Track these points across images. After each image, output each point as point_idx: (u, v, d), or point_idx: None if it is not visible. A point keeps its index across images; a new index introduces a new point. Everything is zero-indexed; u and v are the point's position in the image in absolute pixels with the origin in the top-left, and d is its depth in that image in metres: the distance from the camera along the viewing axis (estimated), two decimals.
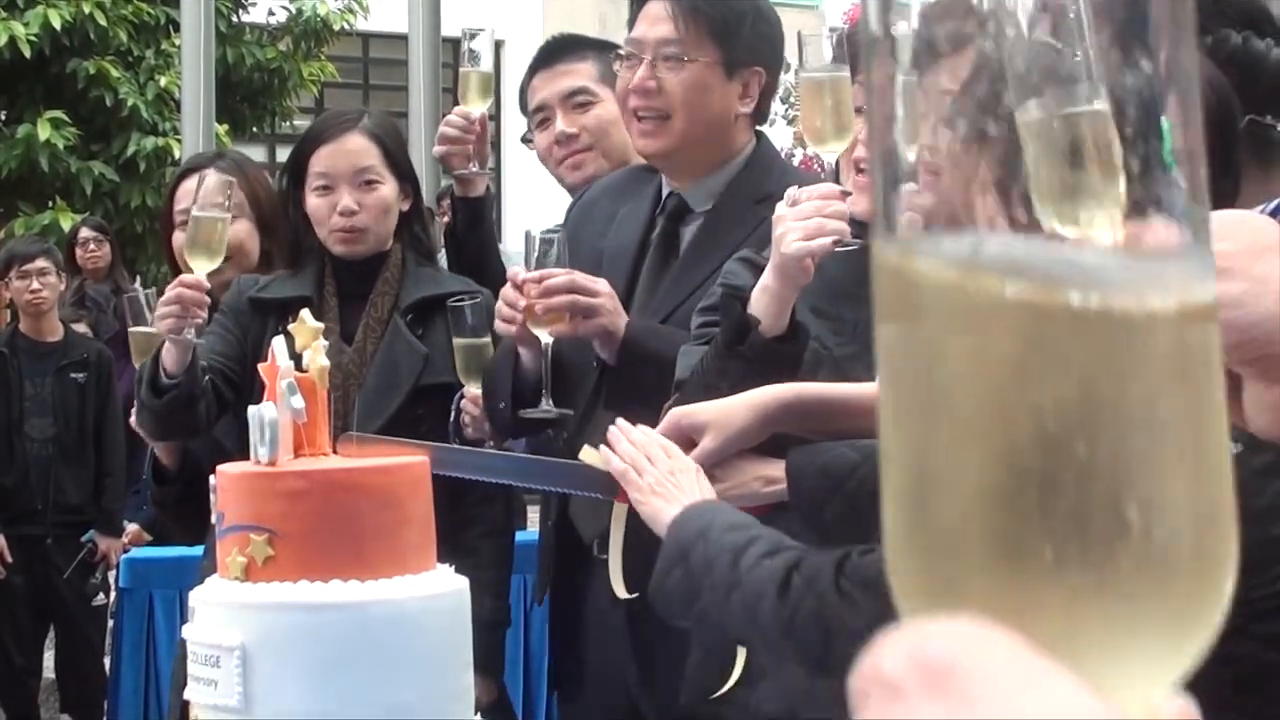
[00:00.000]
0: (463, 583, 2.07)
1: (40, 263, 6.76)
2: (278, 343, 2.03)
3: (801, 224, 2.18)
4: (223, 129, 10.12)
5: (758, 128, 2.96)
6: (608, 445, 2.05)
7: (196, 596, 2.03)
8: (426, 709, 1.99)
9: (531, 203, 3.76)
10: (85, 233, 8.62)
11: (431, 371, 3.20)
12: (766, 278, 2.27)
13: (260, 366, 2.04)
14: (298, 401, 2.00)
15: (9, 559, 6.61)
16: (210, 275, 3.22)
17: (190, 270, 3.06)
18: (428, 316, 3.24)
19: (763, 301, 2.26)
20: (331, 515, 1.97)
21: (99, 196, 11.46)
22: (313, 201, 3.25)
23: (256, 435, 2.00)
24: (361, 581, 1.96)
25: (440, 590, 2.03)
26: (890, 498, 0.57)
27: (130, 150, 11.52)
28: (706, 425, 1.96)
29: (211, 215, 3.06)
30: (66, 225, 10.36)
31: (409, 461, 2.11)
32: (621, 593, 2.08)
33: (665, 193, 2.97)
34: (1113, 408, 0.53)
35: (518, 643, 4.15)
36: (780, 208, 2.27)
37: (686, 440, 1.99)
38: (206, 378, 3.06)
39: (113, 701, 4.77)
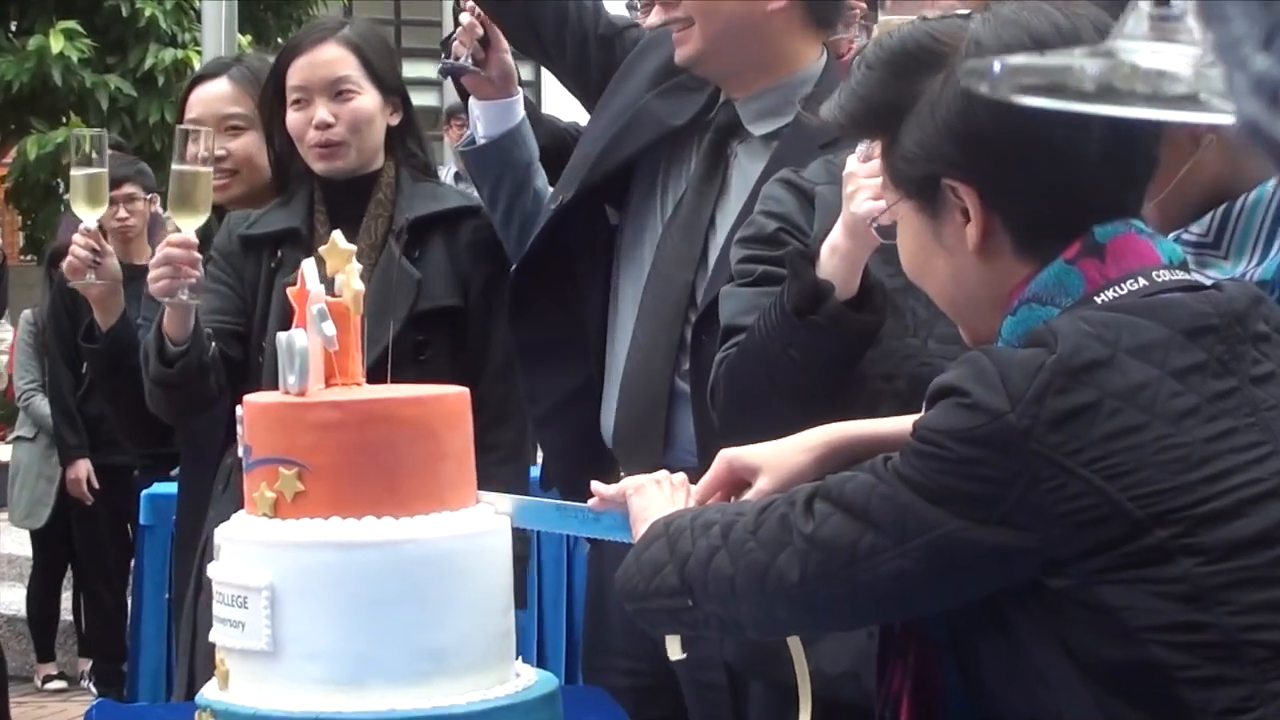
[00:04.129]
0: (503, 520, 1.99)
1: (128, 188, 6.39)
2: (308, 265, 1.94)
3: (874, 182, 2.10)
4: (245, 40, 9.98)
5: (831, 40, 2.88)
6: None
7: (222, 534, 1.98)
8: (465, 652, 1.94)
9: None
10: None
11: (428, 296, 3.03)
12: (836, 236, 2.21)
13: (290, 291, 1.95)
14: (329, 328, 1.93)
15: (96, 485, 6.53)
16: (221, 191, 3.11)
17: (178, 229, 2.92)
18: (426, 236, 3.09)
19: (833, 263, 2.21)
20: (365, 448, 1.91)
21: (115, 112, 11.32)
22: (291, 116, 3.09)
23: (285, 363, 1.92)
24: (396, 518, 1.90)
25: (479, 528, 1.98)
26: None
27: (148, 63, 11.38)
28: (760, 468, 1.91)
29: (194, 169, 2.92)
30: None
31: (446, 392, 2.03)
32: (676, 654, 2.02)
33: (722, 97, 2.87)
34: None
35: (560, 581, 4.11)
36: (851, 163, 2.20)
37: (739, 482, 1.94)
38: (213, 345, 2.92)
39: (134, 641, 4.69)
